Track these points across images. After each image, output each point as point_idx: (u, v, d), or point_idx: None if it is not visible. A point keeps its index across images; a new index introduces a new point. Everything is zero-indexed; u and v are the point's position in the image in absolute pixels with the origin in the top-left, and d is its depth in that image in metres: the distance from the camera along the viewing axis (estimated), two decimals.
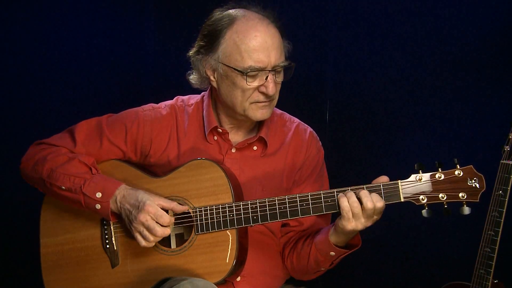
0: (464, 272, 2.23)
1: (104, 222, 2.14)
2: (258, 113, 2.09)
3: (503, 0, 2.80)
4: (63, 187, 2.09)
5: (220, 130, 2.16)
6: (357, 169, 3.05)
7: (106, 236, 2.13)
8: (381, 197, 1.92)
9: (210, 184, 2.05)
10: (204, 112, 2.20)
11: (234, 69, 2.03)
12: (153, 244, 2.03)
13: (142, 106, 2.23)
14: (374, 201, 1.90)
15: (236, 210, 2.01)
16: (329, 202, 1.96)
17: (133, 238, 2.05)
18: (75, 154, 2.14)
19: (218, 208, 2.03)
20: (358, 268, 3.04)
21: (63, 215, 2.18)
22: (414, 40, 2.94)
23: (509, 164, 2.04)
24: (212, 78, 2.12)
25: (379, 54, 3.00)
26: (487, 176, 1.92)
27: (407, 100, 2.99)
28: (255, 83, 2.05)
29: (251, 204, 2.01)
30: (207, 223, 2.03)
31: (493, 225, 2.09)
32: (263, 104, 2.08)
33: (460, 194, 1.89)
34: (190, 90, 2.24)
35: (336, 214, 1.97)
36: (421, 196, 1.90)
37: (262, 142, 2.19)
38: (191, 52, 2.15)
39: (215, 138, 2.18)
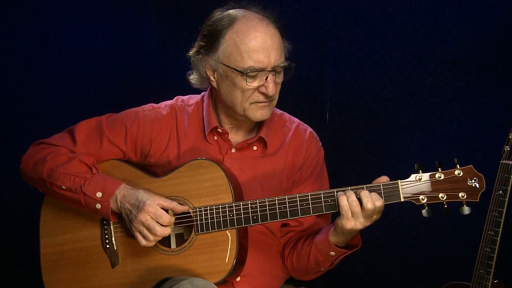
0: (464, 272, 2.23)
1: (104, 222, 2.14)
2: (258, 113, 2.09)
3: (503, 0, 2.80)
4: (63, 187, 2.09)
5: (220, 130, 2.16)
6: (357, 169, 3.05)
7: (106, 236, 2.13)
8: (381, 196, 1.92)
9: (210, 184, 2.05)
10: (204, 112, 2.20)
11: (234, 69, 2.03)
12: (153, 243, 2.03)
13: (142, 106, 2.23)
14: (373, 200, 1.90)
15: (236, 210, 2.01)
16: (329, 202, 1.96)
17: (133, 238, 2.05)
18: (75, 154, 2.14)
19: (218, 208, 2.03)
20: (358, 268, 3.04)
21: (63, 215, 2.18)
22: (414, 40, 2.94)
23: (509, 164, 2.04)
24: (212, 78, 2.12)
25: (379, 54, 3.00)
26: (487, 176, 1.92)
27: (407, 100, 2.99)
28: (255, 84, 2.05)
29: (251, 204, 2.01)
30: (207, 223, 2.03)
31: (493, 225, 2.08)
32: (263, 104, 2.08)
33: (460, 194, 1.89)
34: (190, 90, 2.24)
35: (336, 214, 1.97)
36: (421, 196, 1.90)
37: (262, 142, 2.19)
38: (191, 52, 2.15)
39: (215, 138, 2.18)
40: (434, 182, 1.90)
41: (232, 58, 2.04)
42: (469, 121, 2.89)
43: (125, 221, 2.06)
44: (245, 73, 2.02)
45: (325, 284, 2.77)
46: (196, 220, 2.04)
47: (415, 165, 1.91)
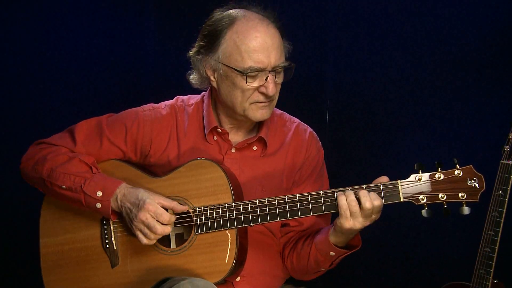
0: (464, 272, 2.23)
1: (104, 222, 2.14)
2: (258, 113, 2.09)
3: (503, 0, 2.80)
4: (64, 186, 2.09)
5: (220, 130, 2.16)
6: (357, 169, 3.05)
7: (106, 236, 2.13)
8: (381, 196, 1.92)
9: (210, 184, 2.05)
10: (204, 112, 2.20)
11: (234, 69, 2.03)
12: (154, 241, 2.03)
13: (142, 106, 2.23)
14: (371, 199, 1.90)
15: (236, 210, 2.01)
16: (328, 202, 1.96)
17: (133, 237, 2.05)
18: (75, 153, 2.14)
19: (218, 208, 2.03)
20: (358, 268, 3.04)
21: (63, 215, 2.18)
22: (414, 40, 2.94)
23: (509, 164, 2.04)
24: (212, 78, 2.12)
25: (379, 54, 3.00)
26: (487, 176, 1.92)
27: (407, 100, 2.99)
28: (255, 84, 2.05)
29: (251, 204, 2.01)
30: (207, 223, 2.03)
31: (493, 225, 2.08)
32: (263, 104, 2.08)
33: (460, 194, 1.89)
34: (190, 90, 2.24)
35: (336, 214, 1.97)
36: (421, 196, 1.90)
37: (262, 142, 2.19)
38: (191, 52, 2.15)
39: (215, 138, 2.18)
40: (434, 182, 1.90)
41: (232, 58, 2.04)
42: (469, 121, 2.89)
43: (125, 220, 2.06)
44: (245, 73, 2.02)
45: (325, 284, 2.77)
46: (196, 220, 2.04)
47: (415, 165, 1.91)
